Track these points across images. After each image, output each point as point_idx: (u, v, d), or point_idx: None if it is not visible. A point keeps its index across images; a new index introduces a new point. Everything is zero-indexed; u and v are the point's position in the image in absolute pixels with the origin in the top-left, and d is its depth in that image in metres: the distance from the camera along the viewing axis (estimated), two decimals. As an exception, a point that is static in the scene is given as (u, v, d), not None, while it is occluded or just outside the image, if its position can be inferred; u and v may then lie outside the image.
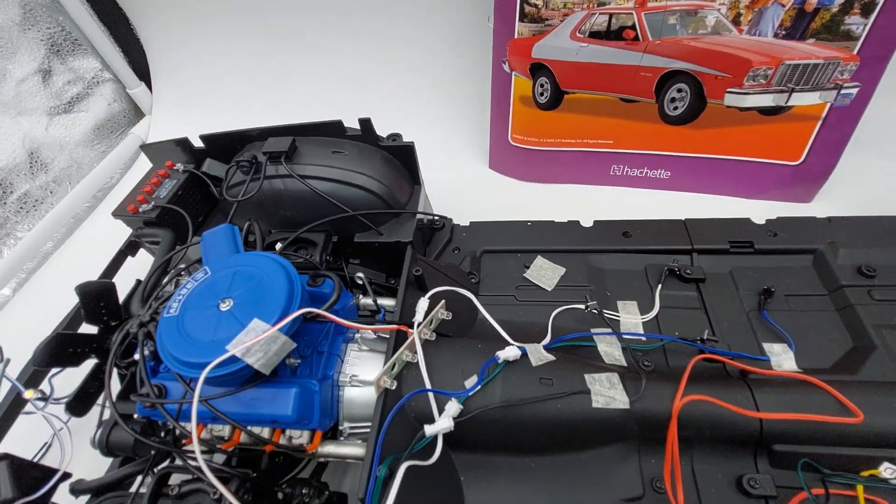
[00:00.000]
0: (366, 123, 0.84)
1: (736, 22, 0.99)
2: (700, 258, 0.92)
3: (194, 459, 0.58)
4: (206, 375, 0.51)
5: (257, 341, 0.53)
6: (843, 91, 1.03)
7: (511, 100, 1.19)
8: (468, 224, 1.03)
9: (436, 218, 0.97)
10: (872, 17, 0.93)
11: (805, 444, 0.65)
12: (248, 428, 0.58)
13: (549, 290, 0.90)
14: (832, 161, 1.13)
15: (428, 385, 0.65)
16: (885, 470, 0.64)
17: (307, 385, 0.60)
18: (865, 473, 0.64)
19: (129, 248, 0.94)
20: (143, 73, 1.59)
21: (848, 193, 1.16)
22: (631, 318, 0.85)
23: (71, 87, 1.48)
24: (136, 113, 1.67)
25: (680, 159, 1.21)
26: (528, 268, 0.93)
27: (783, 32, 0.98)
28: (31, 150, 1.39)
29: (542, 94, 1.15)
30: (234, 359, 0.52)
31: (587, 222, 1.00)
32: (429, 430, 0.63)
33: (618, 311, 0.86)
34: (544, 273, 0.92)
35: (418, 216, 0.91)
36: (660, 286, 0.88)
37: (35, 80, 1.39)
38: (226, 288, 0.59)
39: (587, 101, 1.15)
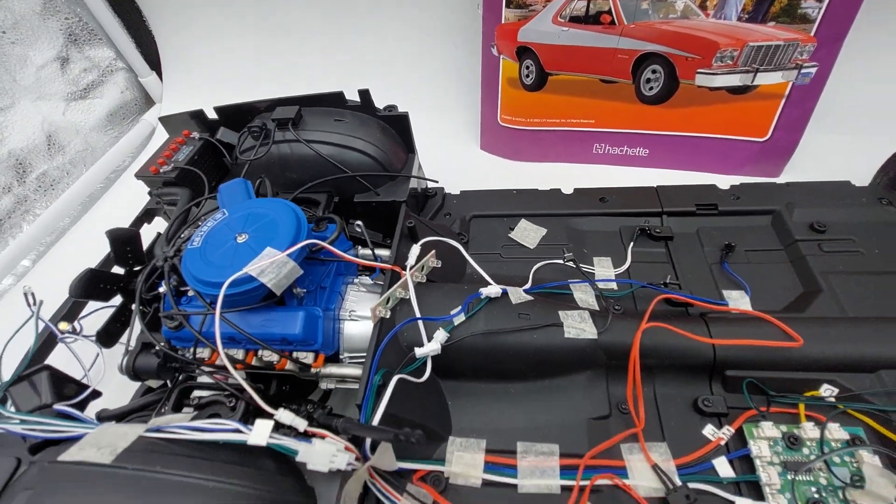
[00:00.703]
0: (365, 94, 0.93)
1: (703, 6, 1.08)
2: (669, 220, 1.00)
3: (214, 374, 0.66)
4: (225, 293, 0.60)
5: (270, 263, 0.61)
6: (803, 70, 1.12)
7: (500, 82, 1.28)
8: (459, 192, 1.11)
9: (429, 184, 1.06)
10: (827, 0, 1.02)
11: (753, 369, 0.73)
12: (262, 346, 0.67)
13: (532, 248, 0.99)
14: (796, 137, 1.22)
15: (418, 315, 0.74)
16: (825, 391, 0.72)
17: (312, 311, 0.68)
18: (808, 394, 0.72)
19: (146, 216, 1.02)
20: (155, 63, 1.69)
21: (812, 168, 1.25)
22: (605, 271, 0.93)
23: (87, 74, 1.57)
24: (147, 101, 1.76)
25: (657, 137, 1.30)
26: (512, 229, 1.02)
27: (746, 16, 1.08)
28: (49, 133, 1.48)
29: (527, 76, 1.24)
30: (249, 279, 0.61)
31: (568, 190, 1.08)
32: (419, 352, 0.71)
33: (593, 266, 0.94)
34: (527, 234, 1.01)
35: (413, 182, 1.00)
36: (632, 244, 0.96)
37: (54, 67, 1.47)
38: (241, 224, 0.67)
39: (570, 83, 1.24)
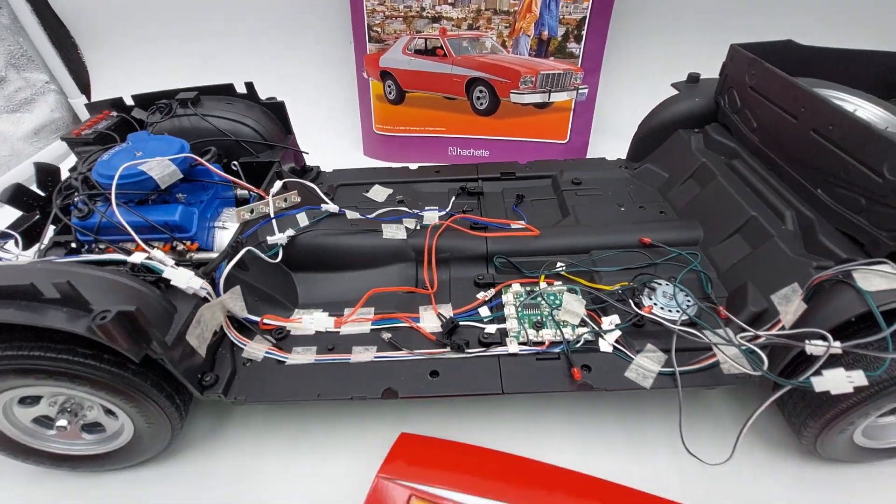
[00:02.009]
0: (250, 86, 1.26)
1: (504, 46, 1.55)
2: (483, 183, 1.37)
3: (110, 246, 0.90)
4: (120, 182, 0.86)
5: (157, 163, 0.89)
6: (579, 91, 1.60)
7: (371, 98, 1.67)
8: (332, 170, 1.44)
9: (306, 160, 1.37)
10: (583, 43, 1.52)
11: (512, 256, 1.07)
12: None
13: (381, 202, 1.31)
14: (585, 139, 1.68)
15: (274, 223, 1.02)
16: (558, 266, 1.06)
17: (189, 208, 0.95)
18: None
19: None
20: (85, 87, 1.95)
21: (602, 162, 1.70)
22: (431, 214, 1.27)
23: (20, 92, 1.80)
24: (75, 120, 1.99)
25: (493, 142, 1.72)
26: (368, 192, 1.35)
27: (533, 53, 1.55)
28: (-22, 138, 1.67)
29: (390, 93, 1.64)
30: (140, 172, 0.88)
31: (414, 167, 1.44)
32: (271, 239, 0.99)
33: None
34: (378, 193, 1.34)
35: (292, 163, 1.31)
36: (454, 197, 1.31)
37: (-9, 83, 1.70)
38: (140, 148, 0.95)
39: (423, 99, 1.65)
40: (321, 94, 1.82)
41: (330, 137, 1.79)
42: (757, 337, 0.78)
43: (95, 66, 1.93)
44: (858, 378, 0.65)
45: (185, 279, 0.80)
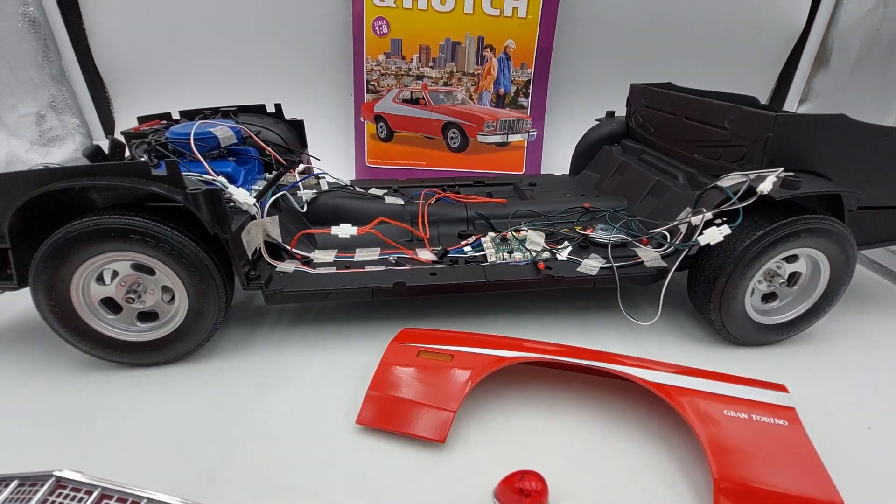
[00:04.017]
0: (278, 107, 1.61)
1: (471, 98, 2.02)
2: (460, 188, 1.72)
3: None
4: (195, 138, 1.13)
5: (219, 127, 1.18)
6: (530, 133, 2.06)
7: (365, 137, 2.06)
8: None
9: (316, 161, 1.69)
10: (530, 97, 2.01)
11: (490, 219, 1.38)
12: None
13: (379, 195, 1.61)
14: (538, 171, 2.10)
15: (301, 185, 1.30)
16: (524, 227, 1.37)
17: (238, 167, 1.22)
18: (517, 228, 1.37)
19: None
20: (110, 132, 2.24)
21: (552, 190, 2.11)
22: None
23: (54, 131, 2.07)
24: (95, 160, 2.24)
25: (464, 174, 2.11)
26: (368, 191, 1.65)
27: (494, 104, 2.03)
28: (9, 160, 1.89)
29: (381, 132, 2.04)
30: (207, 132, 1.16)
31: (403, 179, 1.77)
32: (299, 193, 1.25)
33: (414, 203, 1.58)
34: (375, 192, 1.65)
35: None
36: (437, 194, 1.64)
37: (31, 118, 1.97)
38: (207, 126, 1.24)
39: (408, 138, 2.05)
40: (323, 137, 2.20)
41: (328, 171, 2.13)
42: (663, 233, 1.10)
43: (123, 117, 2.25)
44: (725, 229, 0.96)
45: (243, 196, 1.05)
